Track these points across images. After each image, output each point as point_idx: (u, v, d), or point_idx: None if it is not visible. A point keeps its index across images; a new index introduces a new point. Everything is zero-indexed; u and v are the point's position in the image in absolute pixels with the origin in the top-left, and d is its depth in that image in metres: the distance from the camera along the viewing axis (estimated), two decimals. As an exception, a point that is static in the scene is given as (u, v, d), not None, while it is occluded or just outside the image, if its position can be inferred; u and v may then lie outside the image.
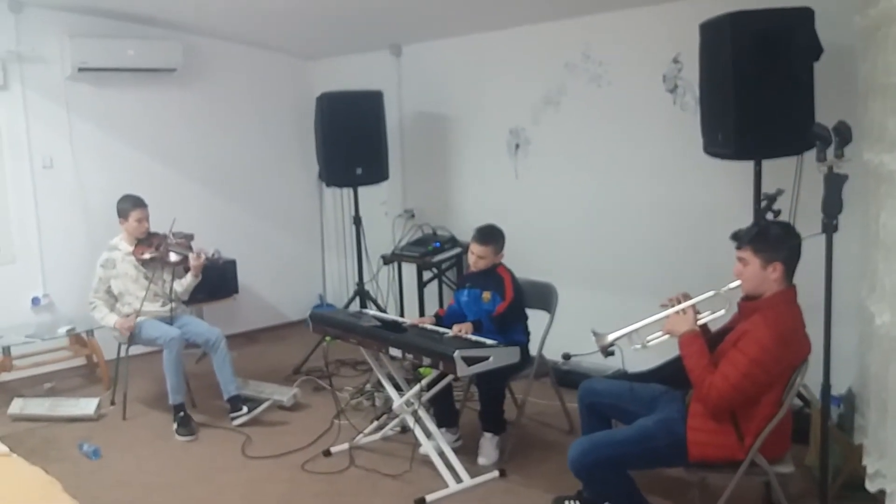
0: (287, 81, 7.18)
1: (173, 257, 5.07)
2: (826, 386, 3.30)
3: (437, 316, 4.50)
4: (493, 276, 4.34)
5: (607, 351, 3.22)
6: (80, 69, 5.86)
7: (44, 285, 6.01)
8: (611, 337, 3.21)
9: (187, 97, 6.59)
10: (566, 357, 5.20)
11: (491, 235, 4.36)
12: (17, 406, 5.07)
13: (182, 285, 5.16)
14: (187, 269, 5.15)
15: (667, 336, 3.20)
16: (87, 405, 5.08)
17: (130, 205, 5.06)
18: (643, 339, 3.23)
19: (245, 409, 4.84)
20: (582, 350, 4.79)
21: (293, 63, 7.23)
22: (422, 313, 6.01)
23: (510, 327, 4.25)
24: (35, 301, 5.97)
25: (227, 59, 6.80)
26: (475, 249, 4.35)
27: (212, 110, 6.75)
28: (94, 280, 5.11)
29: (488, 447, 4.24)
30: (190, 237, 5.49)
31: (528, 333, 4.40)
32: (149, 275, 5.08)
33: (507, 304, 4.24)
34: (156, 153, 6.46)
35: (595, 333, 3.24)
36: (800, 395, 3.70)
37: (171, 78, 6.37)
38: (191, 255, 5.03)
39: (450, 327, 4.15)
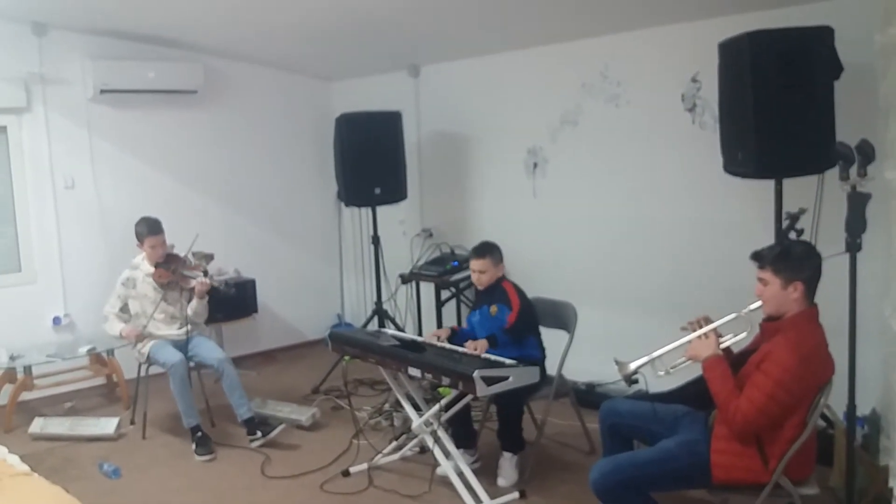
0: (306, 102, 7.23)
1: (189, 284, 5.08)
2: (851, 406, 3.27)
3: (453, 330, 4.52)
4: (497, 290, 4.37)
5: (631, 379, 3.20)
6: (102, 91, 5.92)
7: (65, 305, 6.05)
8: (633, 365, 3.18)
9: (208, 118, 6.66)
10: (590, 388, 5.17)
11: (485, 248, 4.41)
12: (37, 425, 5.11)
13: (191, 308, 5.14)
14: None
15: (690, 362, 3.18)
16: (107, 424, 5.10)
17: (146, 230, 5.05)
18: (666, 365, 3.20)
19: (259, 433, 4.83)
20: (602, 369, 4.73)
21: (312, 84, 7.29)
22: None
23: (524, 338, 4.25)
24: (56, 321, 6.01)
25: (247, 80, 6.86)
26: (474, 265, 4.41)
27: (232, 131, 6.81)
28: (111, 295, 5.16)
29: (507, 467, 4.21)
30: (210, 257, 5.52)
31: (542, 350, 4.39)
32: (166, 297, 5.10)
33: (516, 312, 4.25)
34: (177, 174, 6.52)
35: (617, 362, 3.21)
36: (823, 416, 3.66)
37: (191, 99, 6.43)
38: (197, 280, 5.02)
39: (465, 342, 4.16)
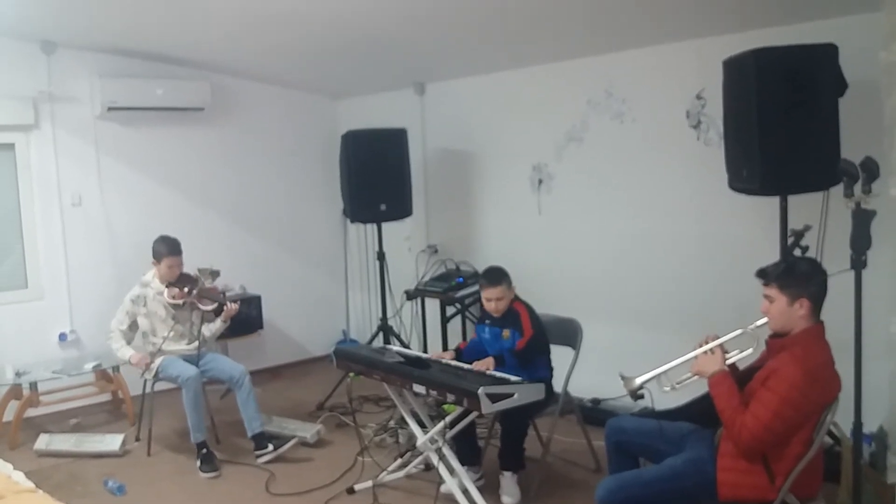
0: (313, 120, 7.27)
1: (207, 305, 5.11)
2: (858, 424, 3.25)
3: (457, 350, 4.49)
4: (510, 313, 4.32)
5: (636, 394, 3.18)
6: (110, 108, 5.96)
7: (71, 321, 6.07)
8: (639, 380, 3.16)
9: (215, 136, 6.69)
10: (595, 402, 5.16)
11: (498, 274, 4.33)
12: (43, 441, 5.10)
13: (210, 330, 5.19)
14: (217, 314, 5.19)
15: (696, 377, 3.17)
16: (112, 441, 5.10)
17: (166, 251, 5.07)
18: (672, 381, 3.19)
19: (270, 446, 4.83)
20: (609, 386, 4.73)
21: (319, 102, 7.33)
22: (445, 348, 5.98)
23: (533, 362, 4.22)
24: (62, 337, 6.03)
25: (254, 98, 6.90)
26: (490, 294, 4.30)
27: (239, 148, 6.84)
28: (119, 311, 5.15)
29: (509, 485, 4.18)
30: (216, 273, 5.53)
31: (551, 369, 4.37)
32: (177, 316, 5.11)
33: (526, 340, 4.23)
34: (183, 191, 6.55)
35: (623, 377, 3.20)
36: (830, 434, 3.64)
37: (199, 117, 6.47)
38: (226, 305, 5.08)
39: (470, 362, 4.14)
